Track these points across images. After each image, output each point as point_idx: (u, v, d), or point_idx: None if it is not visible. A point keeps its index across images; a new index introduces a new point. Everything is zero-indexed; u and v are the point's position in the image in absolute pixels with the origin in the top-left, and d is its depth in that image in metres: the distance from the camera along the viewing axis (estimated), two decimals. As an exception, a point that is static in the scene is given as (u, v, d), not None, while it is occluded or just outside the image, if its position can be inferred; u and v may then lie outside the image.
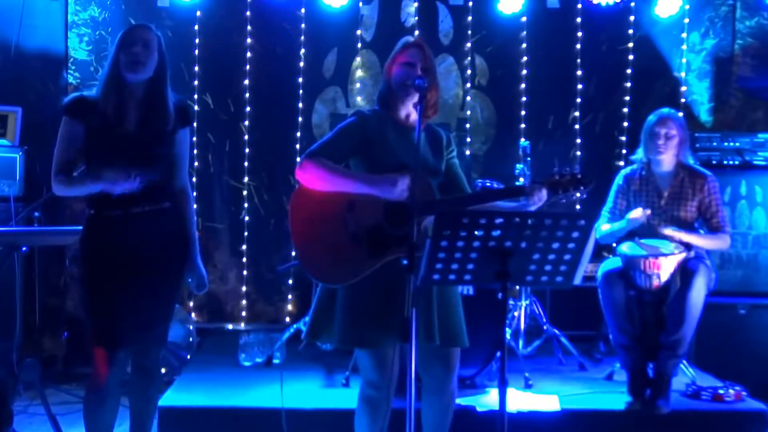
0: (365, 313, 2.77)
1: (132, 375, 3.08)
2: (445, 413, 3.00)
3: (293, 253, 5.49)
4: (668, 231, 3.91)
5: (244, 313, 5.58)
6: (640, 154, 4.13)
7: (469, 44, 5.60)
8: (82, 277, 3.01)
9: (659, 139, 4.00)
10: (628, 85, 5.63)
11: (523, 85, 5.61)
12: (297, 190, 2.89)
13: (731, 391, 3.94)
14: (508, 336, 4.46)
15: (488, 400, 3.83)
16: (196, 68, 5.41)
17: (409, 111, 2.93)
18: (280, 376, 3.94)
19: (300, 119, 5.54)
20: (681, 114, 4.27)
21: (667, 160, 4.05)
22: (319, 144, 2.91)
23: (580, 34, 5.59)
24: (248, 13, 5.46)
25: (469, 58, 5.61)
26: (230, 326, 5.56)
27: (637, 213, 3.91)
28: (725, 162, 5.10)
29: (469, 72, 5.62)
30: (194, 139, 5.35)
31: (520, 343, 4.69)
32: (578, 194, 2.85)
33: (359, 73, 5.59)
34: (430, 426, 3.02)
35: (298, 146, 5.52)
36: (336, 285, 2.83)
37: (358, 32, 5.56)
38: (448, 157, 3.02)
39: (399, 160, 2.82)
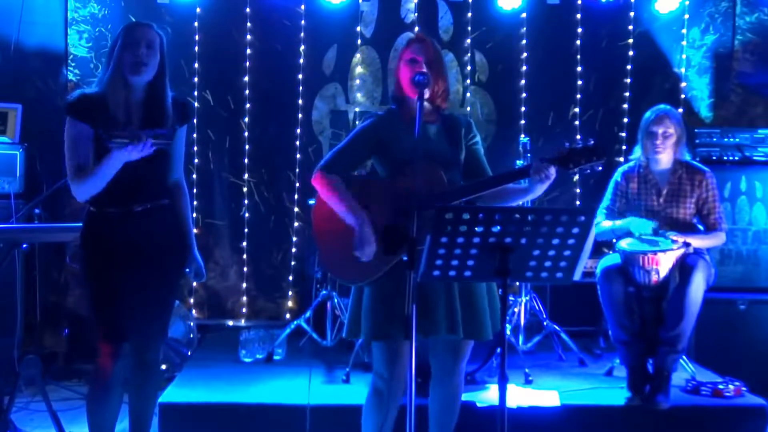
0: (380, 306, 2.81)
1: (132, 371, 3.08)
2: (450, 407, 3.02)
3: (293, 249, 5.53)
4: (674, 236, 3.86)
5: (244, 310, 5.58)
6: (637, 152, 4.13)
7: (468, 40, 5.60)
8: (84, 273, 3.02)
9: (657, 138, 3.99)
10: (628, 81, 5.62)
11: (523, 82, 5.61)
12: (318, 193, 2.96)
13: (731, 387, 3.94)
14: (508, 332, 4.46)
15: (488, 395, 3.84)
16: (196, 65, 5.41)
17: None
18: (308, 373, 4.05)
19: (300, 116, 5.53)
20: (680, 110, 4.26)
21: (665, 159, 4.04)
22: (332, 153, 2.97)
23: (580, 30, 5.59)
24: (248, 9, 5.45)
25: (468, 55, 5.61)
26: (231, 322, 5.56)
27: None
28: (725, 158, 5.10)
29: (468, 68, 5.61)
30: (194, 135, 5.35)
31: (520, 338, 4.69)
32: (595, 168, 2.76)
33: (359, 69, 5.59)
34: (436, 421, 3.04)
35: (297, 143, 5.52)
36: (356, 283, 2.90)
37: (358, 29, 5.55)
38: (469, 144, 3.03)
39: (409, 157, 2.83)
